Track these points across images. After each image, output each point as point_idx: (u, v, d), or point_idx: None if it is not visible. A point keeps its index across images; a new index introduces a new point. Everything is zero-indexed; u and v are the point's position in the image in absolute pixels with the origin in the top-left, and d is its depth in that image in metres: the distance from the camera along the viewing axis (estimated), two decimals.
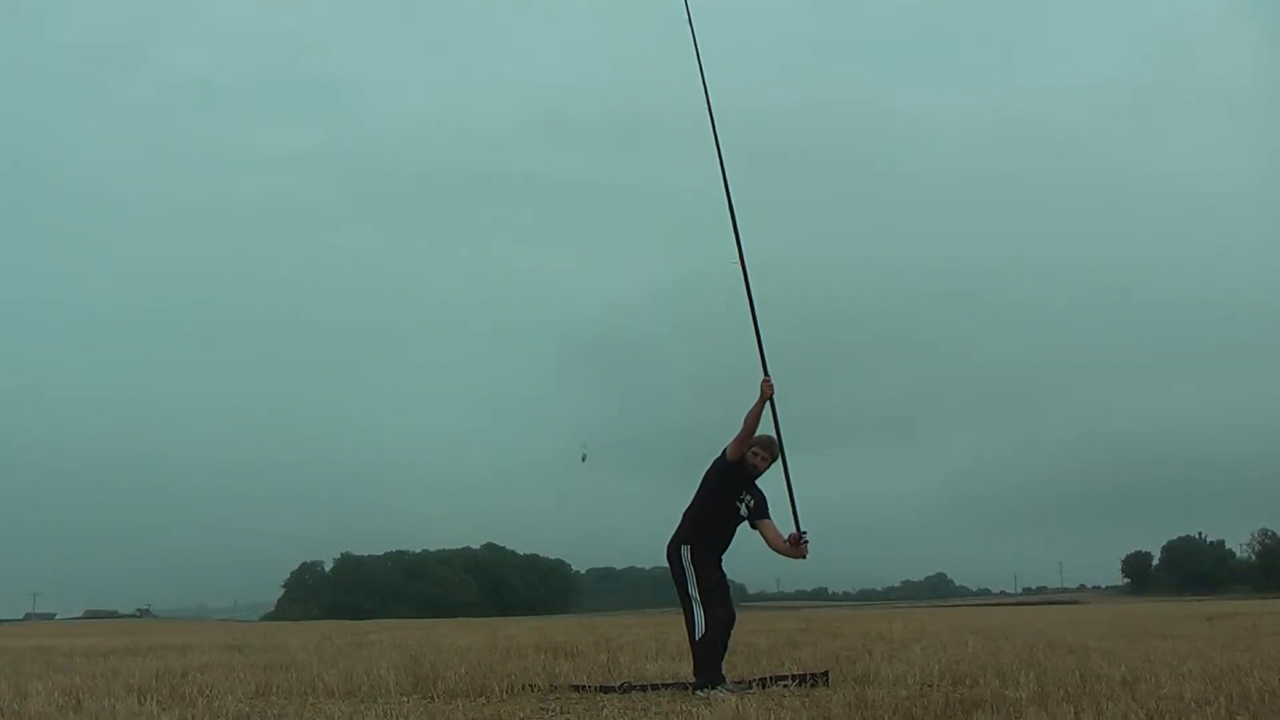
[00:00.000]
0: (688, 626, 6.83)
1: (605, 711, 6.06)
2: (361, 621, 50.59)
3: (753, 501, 7.03)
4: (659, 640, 13.29)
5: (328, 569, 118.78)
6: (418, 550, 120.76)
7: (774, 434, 6.97)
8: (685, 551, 6.92)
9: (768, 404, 6.90)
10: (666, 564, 7.13)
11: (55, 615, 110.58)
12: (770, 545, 7.04)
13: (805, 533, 6.85)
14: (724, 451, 7.00)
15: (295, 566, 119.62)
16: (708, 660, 6.71)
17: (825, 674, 7.39)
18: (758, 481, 7.09)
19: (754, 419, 6.85)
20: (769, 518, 7.06)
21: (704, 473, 7.14)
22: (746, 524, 7.06)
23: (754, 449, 6.95)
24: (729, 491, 6.99)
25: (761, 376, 6.90)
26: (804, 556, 6.88)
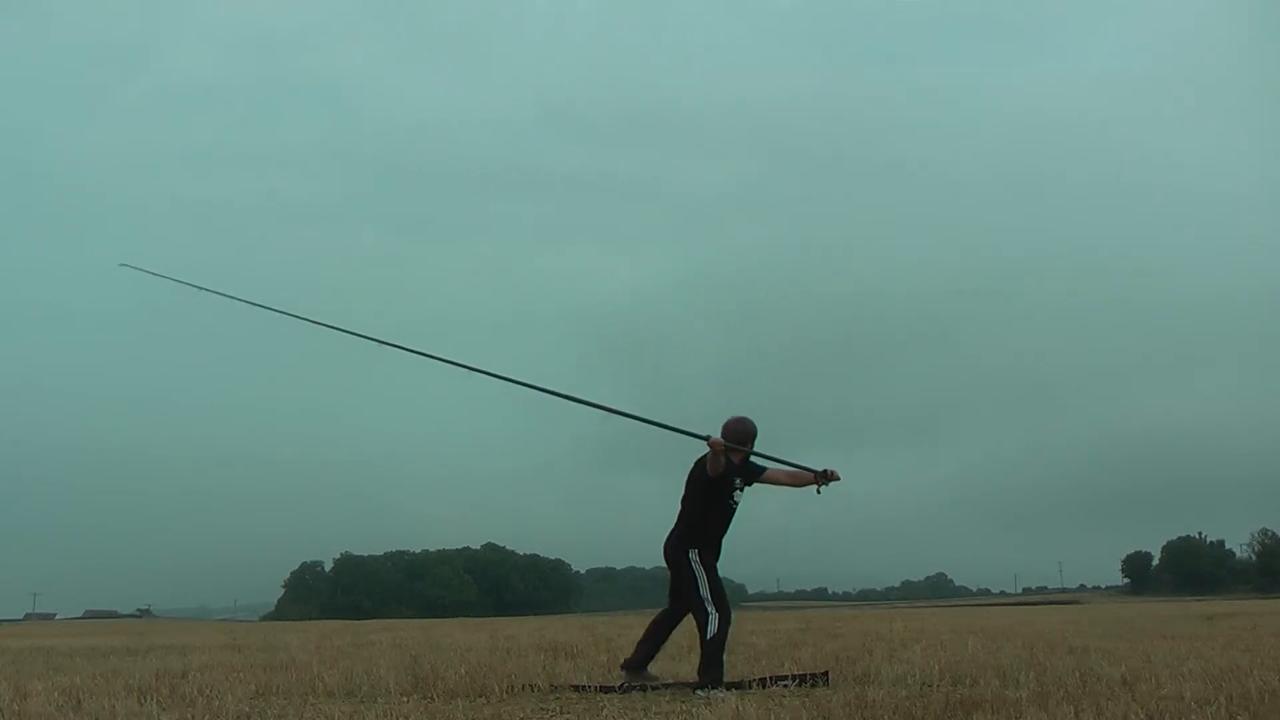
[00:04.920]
0: (699, 626, 6.85)
1: (605, 711, 6.05)
2: (361, 621, 50.55)
3: (742, 482, 7.12)
4: None
5: (328, 569, 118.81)
6: (418, 550, 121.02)
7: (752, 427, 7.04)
8: (693, 555, 6.97)
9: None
10: (666, 563, 7.16)
11: (55, 615, 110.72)
12: (788, 483, 7.16)
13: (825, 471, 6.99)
14: (704, 466, 7.00)
15: (295, 566, 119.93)
16: (714, 660, 6.74)
17: (825, 674, 7.38)
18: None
19: (718, 463, 6.90)
20: (764, 469, 7.14)
21: (689, 476, 7.17)
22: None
23: (731, 447, 6.99)
24: (721, 492, 7.06)
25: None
26: (838, 478, 7.00)
